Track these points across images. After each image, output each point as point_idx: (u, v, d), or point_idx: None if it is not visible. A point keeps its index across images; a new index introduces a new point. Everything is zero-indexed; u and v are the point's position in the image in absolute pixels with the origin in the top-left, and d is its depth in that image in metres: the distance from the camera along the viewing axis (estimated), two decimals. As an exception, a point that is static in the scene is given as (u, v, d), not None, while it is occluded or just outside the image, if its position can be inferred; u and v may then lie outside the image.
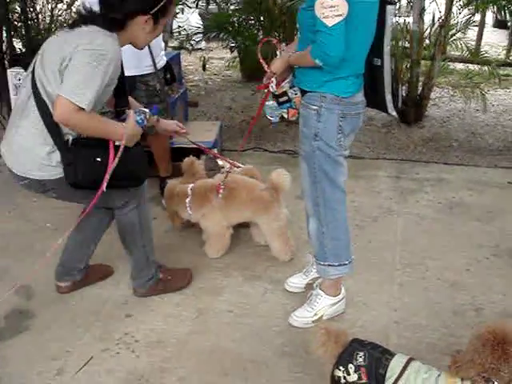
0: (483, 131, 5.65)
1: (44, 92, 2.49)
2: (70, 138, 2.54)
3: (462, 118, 6.02)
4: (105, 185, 2.54)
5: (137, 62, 3.36)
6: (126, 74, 3.23)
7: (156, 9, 2.55)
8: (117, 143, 2.57)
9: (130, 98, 2.94)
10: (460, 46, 6.30)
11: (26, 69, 4.23)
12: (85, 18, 2.54)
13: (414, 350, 2.65)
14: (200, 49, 7.81)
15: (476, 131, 5.64)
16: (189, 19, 7.43)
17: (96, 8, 2.54)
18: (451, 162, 4.86)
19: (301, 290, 3.07)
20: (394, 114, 2.71)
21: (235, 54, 6.82)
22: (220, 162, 3.88)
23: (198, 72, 7.72)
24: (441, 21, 5.47)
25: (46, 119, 2.50)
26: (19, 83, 4.39)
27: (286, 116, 2.82)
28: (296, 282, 3.10)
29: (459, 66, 7.12)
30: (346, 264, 2.79)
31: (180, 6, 7.27)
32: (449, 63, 6.38)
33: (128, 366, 2.60)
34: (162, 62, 3.52)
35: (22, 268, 3.26)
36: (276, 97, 2.75)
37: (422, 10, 5.48)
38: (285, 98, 2.73)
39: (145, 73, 3.47)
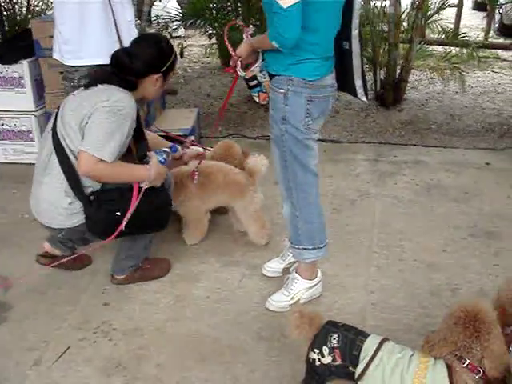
0: (461, 113, 5.67)
1: (67, 148, 2.65)
2: (91, 191, 2.70)
3: (440, 101, 6.04)
4: (124, 224, 2.67)
5: (109, 50, 3.31)
6: (99, 62, 3.25)
7: (165, 67, 2.81)
8: (141, 185, 2.70)
9: (151, 137, 3.17)
10: (438, 29, 6.33)
11: (1, 61, 4.21)
12: (99, 79, 2.75)
13: (391, 331, 2.67)
14: (179, 36, 7.74)
15: (454, 113, 5.66)
16: (167, 6, 7.35)
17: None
18: (429, 144, 4.89)
19: (278, 275, 3.08)
20: (364, 99, 2.69)
21: (214, 40, 6.79)
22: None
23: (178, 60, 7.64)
24: (417, 3, 5.45)
25: (68, 174, 2.66)
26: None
27: (257, 100, 2.82)
28: (273, 267, 3.10)
29: (439, 48, 7.13)
30: (320, 247, 2.80)
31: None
32: (428, 46, 6.39)
33: (105, 355, 2.60)
34: None
35: (-2, 259, 3.24)
36: (246, 80, 2.75)
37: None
38: (254, 82, 2.73)
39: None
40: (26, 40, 4.35)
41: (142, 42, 2.91)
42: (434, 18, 6.08)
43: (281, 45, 2.41)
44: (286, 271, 3.06)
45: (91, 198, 2.70)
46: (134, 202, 2.68)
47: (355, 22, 2.50)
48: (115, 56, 2.80)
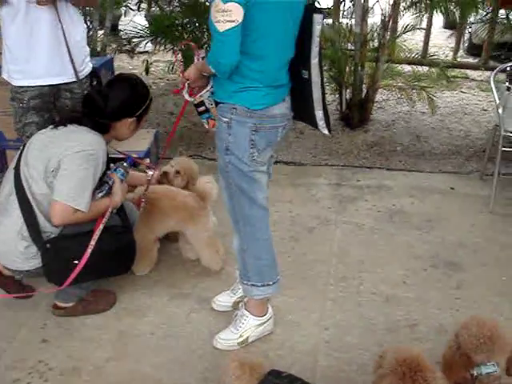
0: (428, 134, 5.58)
1: (29, 190, 2.59)
2: (47, 239, 2.64)
3: (407, 121, 5.95)
4: (83, 262, 2.61)
5: (59, 70, 3.16)
6: (50, 82, 3.10)
7: (140, 111, 2.78)
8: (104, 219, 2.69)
9: None
10: (407, 48, 6.26)
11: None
12: (69, 118, 2.71)
13: (344, 372, 2.55)
14: (146, 52, 7.57)
15: (421, 134, 5.57)
16: (133, 20, 7.19)
17: None
18: (394, 167, 4.77)
19: (228, 309, 2.92)
20: (325, 131, 2.53)
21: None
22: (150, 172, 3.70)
23: (142, 76, 7.47)
24: (384, 23, 5.37)
25: (27, 218, 2.60)
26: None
27: (206, 126, 2.69)
28: (223, 301, 2.94)
29: (407, 67, 7.05)
30: (269, 285, 2.65)
31: (123, 8, 7.11)
32: (396, 65, 6.31)
33: (37, 399, 2.42)
34: (87, 68, 3.32)
35: None
36: (194, 106, 2.61)
37: (366, 12, 5.39)
38: (203, 108, 2.60)
39: (70, 81, 3.27)
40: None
41: (117, 83, 2.85)
42: (403, 37, 6.00)
43: (216, 70, 2.30)
44: (236, 305, 2.90)
45: (47, 245, 2.62)
46: (96, 231, 2.65)
47: (314, 50, 2.34)
48: (89, 97, 2.76)
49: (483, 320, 2.04)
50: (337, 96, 5.73)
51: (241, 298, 2.91)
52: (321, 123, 2.49)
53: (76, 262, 2.61)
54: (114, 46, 6.57)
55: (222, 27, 2.15)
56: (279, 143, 2.56)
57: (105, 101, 2.69)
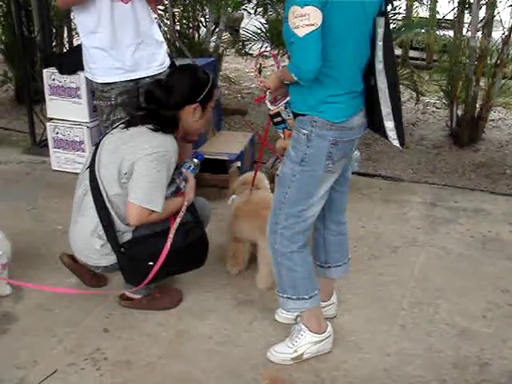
0: (545, 160, 5.16)
1: (104, 190, 2.65)
2: (122, 243, 2.71)
3: (524, 144, 5.55)
4: (160, 263, 2.67)
5: (144, 64, 3.25)
6: (136, 76, 3.19)
7: (202, 96, 2.72)
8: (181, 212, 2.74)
9: None
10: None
11: (61, 71, 4.25)
12: (138, 118, 2.71)
13: (397, 404, 2.39)
14: (264, 55, 7.61)
15: (537, 159, 5.17)
16: (248, 23, 7.26)
17: None
18: (499, 191, 4.44)
19: (290, 322, 2.83)
20: (396, 143, 2.42)
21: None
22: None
23: (254, 78, 7.56)
24: (504, 37, 5.04)
25: (102, 217, 2.66)
26: (54, 83, 4.38)
27: (282, 136, 2.63)
28: (286, 313, 2.86)
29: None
30: (305, 299, 2.55)
31: (241, 12, 7.21)
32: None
33: (87, 385, 2.47)
34: (167, 60, 3.40)
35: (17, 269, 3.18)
36: (270, 116, 2.56)
37: (486, 25, 5.08)
38: (279, 119, 2.53)
39: (153, 74, 3.34)
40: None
41: (176, 72, 2.91)
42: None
43: (299, 77, 2.23)
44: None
45: (122, 249, 2.70)
46: (170, 234, 2.69)
47: (378, 54, 2.27)
48: (149, 91, 2.75)
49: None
50: (447, 112, 5.45)
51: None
52: (391, 134, 2.39)
53: (151, 263, 2.67)
54: (228, 47, 6.65)
55: (301, 32, 2.10)
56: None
57: (165, 91, 2.69)
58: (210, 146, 4.39)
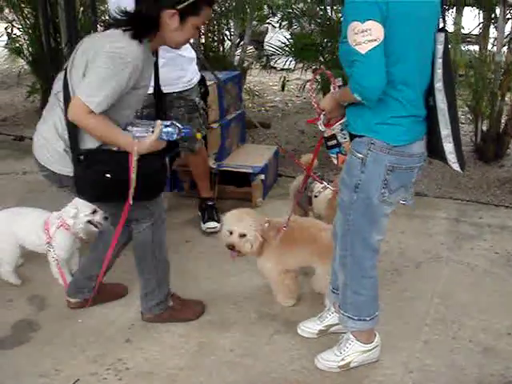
0: None
1: (71, 90, 2.50)
2: (81, 151, 2.53)
3: (550, 161, 5.48)
4: (130, 198, 2.53)
5: (174, 80, 3.29)
6: (166, 91, 3.18)
7: (182, 5, 2.41)
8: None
9: None
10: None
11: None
12: (117, 21, 2.48)
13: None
14: (288, 69, 7.64)
15: (562, 177, 5.09)
16: (273, 37, 7.30)
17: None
18: (525, 208, 4.40)
19: (313, 336, 2.83)
20: (457, 167, 2.34)
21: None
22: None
23: (280, 93, 7.57)
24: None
25: (69, 121, 2.49)
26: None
27: (335, 162, 2.55)
28: (309, 327, 2.85)
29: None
30: (366, 320, 2.54)
31: (265, 26, 7.25)
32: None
33: (109, 396, 2.49)
34: (196, 76, 3.42)
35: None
36: (324, 139, 2.50)
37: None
38: (333, 142, 2.46)
39: (183, 89, 3.37)
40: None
41: None
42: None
43: (362, 97, 2.13)
44: (321, 333, 2.81)
45: (81, 157, 2.53)
46: (131, 175, 2.50)
47: (437, 72, 2.19)
48: None
49: None
50: (472, 127, 5.41)
51: (326, 327, 2.82)
52: (450, 157, 2.30)
53: (108, 175, 2.51)
54: (253, 60, 6.68)
55: (364, 49, 2.03)
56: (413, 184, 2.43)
57: None
58: (233, 158, 4.41)
